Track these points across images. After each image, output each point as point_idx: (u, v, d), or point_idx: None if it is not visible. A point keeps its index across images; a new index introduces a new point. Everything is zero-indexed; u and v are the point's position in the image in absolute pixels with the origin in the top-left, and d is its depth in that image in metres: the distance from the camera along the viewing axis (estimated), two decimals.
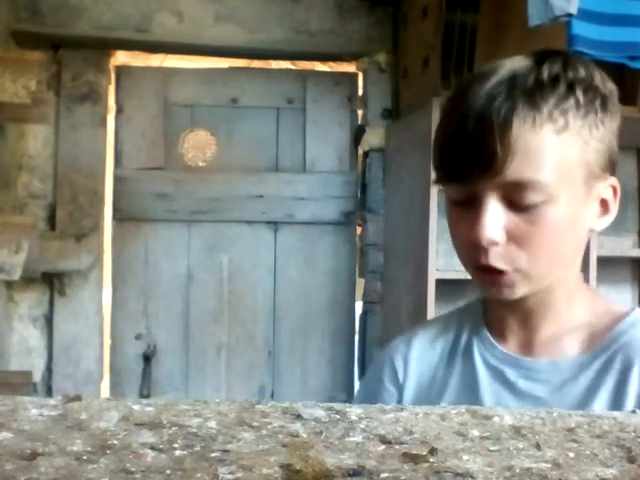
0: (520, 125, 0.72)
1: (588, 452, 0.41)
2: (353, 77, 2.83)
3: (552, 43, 1.85)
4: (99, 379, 2.61)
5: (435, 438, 0.43)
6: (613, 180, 0.79)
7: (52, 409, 0.47)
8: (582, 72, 0.76)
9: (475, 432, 0.45)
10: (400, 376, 0.91)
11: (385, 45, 2.73)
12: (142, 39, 2.60)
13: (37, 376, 2.54)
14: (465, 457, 0.40)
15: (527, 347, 0.84)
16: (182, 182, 2.70)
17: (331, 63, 2.86)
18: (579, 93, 0.74)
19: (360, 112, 2.81)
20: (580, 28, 1.63)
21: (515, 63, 0.76)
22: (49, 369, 2.57)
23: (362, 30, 2.72)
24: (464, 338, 0.89)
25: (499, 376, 0.83)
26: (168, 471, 0.36)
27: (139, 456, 0.39)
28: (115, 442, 0.41)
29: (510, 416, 0.48)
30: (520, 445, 0.42)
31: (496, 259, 0.75)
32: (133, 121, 2.71)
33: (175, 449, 0.40)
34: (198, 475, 0.36)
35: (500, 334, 0.86)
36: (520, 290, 0.78)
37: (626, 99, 1.76)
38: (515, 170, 0.72)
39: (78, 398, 0.49)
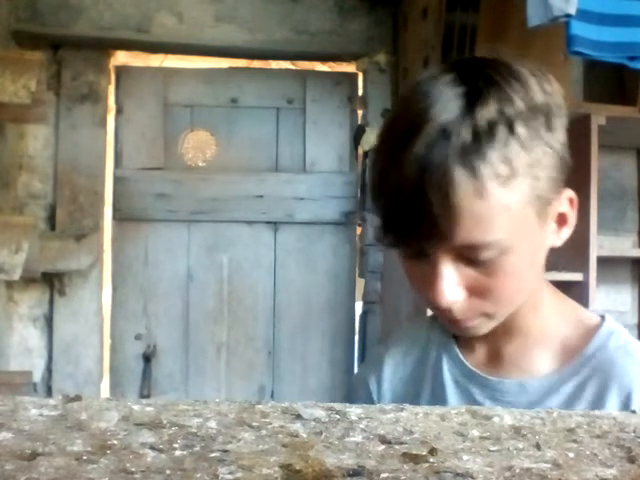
0: (461, 196, 0.66)
1: (588, 452, 0.41)
2: (353, 77, 2.83)
3: (551, 43, 1.85)
4: (99, 379, 2.61)
5: (435, 438, 0.43)
6: (568, 192, 0.74)
7: (52, 409, 0.47)
8: (519, 99, 0.67)
9: (475, 432, 0.45)
10: (375, 397, 0.90)
11: (385, 45, 2.73)
12: (142, 39, 2.60)
13: (37, 376, 2.55)
14: (465, 457, 0.40)
15: (496, 360, 0.82)
16: (182, 182, 2.70)
17: (331, 63, 2.86)
18: (521, 130, 0.66)
19: (360, 112, 2.81)
20: (579, 28, 1.63)
21: (443, 108, 0.67)
22: (49, 369, 2.57)
23: (362, 30, 2.72)
24: (433, 352, 0.88)
25: (467, 395, 0.82)
26: (168, 471, 0.36)
27: (139, 456, 0.39)
28: (115, 442, 0.41)
29: (510, 416, 0.48)
30: (520, 445, 0.42)
31: (460, 313, 0.73)
32: (133, 121, 2.71)
33: (175, 449, 0.40)
34: (198, 475, 0.36)
35: (468, 346, 0.85)
36: (487, 328, 0.77)
37: (626, 99, 1.76)
38: (464, 235, 0.67)
39: (78, 398, 0.49)
